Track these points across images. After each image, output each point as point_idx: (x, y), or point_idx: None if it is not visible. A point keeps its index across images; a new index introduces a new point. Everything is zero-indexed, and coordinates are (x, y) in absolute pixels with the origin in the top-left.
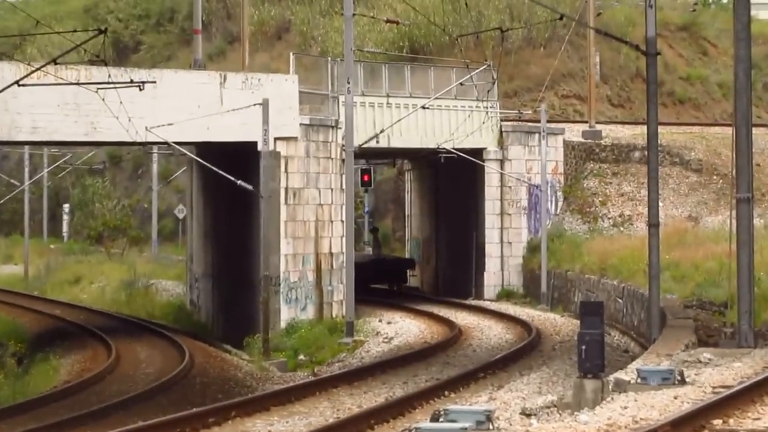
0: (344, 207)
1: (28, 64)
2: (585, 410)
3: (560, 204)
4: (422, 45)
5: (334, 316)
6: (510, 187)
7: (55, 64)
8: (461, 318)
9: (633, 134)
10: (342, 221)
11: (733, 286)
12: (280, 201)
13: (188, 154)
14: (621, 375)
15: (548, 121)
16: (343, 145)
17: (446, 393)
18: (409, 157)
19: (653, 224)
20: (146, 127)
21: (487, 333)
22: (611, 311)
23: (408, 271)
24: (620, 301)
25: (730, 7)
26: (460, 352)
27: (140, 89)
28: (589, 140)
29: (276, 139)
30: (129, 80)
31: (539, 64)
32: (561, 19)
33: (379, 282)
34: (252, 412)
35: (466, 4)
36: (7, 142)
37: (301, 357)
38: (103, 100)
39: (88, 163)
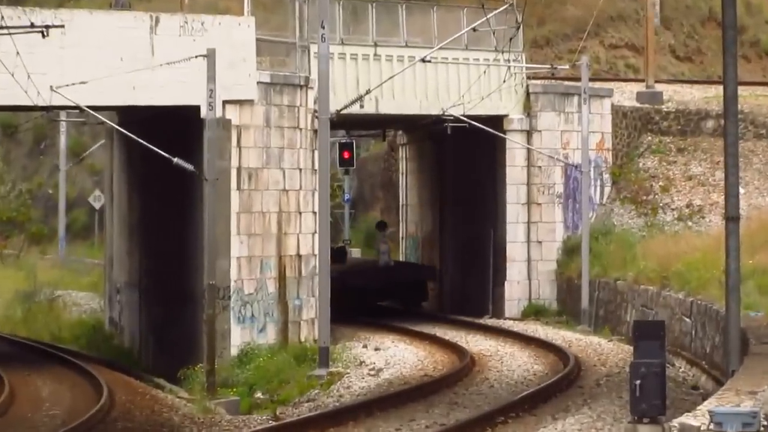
0: (317, 194)
1: None
2: None
3: (607, 190)
4: None
5: (302, 339)
6: (540, 167)
7: None
8: (474, 343)
9: (705, 97)
10: (314, 213)
11: None
12: (231, 185)
13: (107, 122)
14: (688, 419)
15: (591, 80)
16: (315, 111)
17: None
18: (405, 127)
19: (732, 218)
20: (51, 87)
21: (508, 363)
22: (675, 334)
23: (429, 283)
24: (687, 320)
25: None
26: (473, 389)
27: (43, 36)
28: (647, 105)
29: (225, 102)
30: (28, 24)
31: (579, 3)
32: None
33: (389, 298)
34: None
35: None
36: None
37: (259, 395)
38: None
39: None
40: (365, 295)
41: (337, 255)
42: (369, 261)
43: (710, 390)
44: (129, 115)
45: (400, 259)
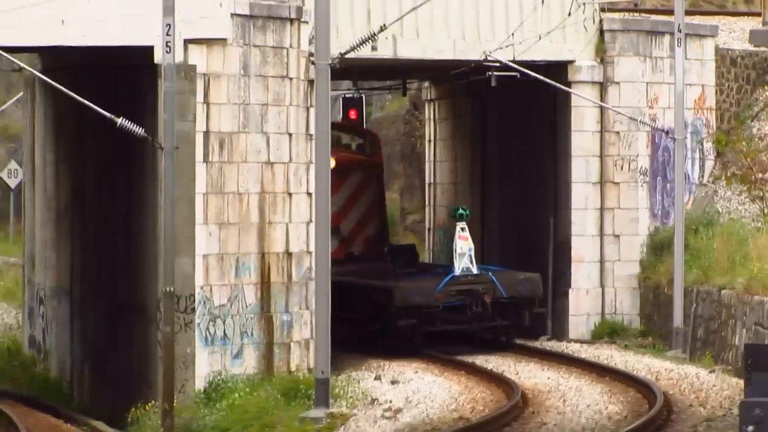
0: (313, 167)
1: None
2: None
3: (710, 165)
4: None
5: (293, 368)
6: (617, 133)
7: None
8: (527, 374)
9: None
10: (309, 194)
11: None
12: (196, 156)
13: (27, 69)
14: None
15: (688, 13)
16: (311, 55)
17: None
18: (434, 76)
19: None
20: None
21: (573, 402)
22: None
23: (536, 300)
24: None
25: None
26: None
27: None
28: (763, 48)
29: (188, 42)
30: None
31: None
32: None
33: (468, 323)
34: None
35: None
36: None
37: None
38: None
39: None
40: (430, 319)
41: (405, 256)
42: (439, 267)
43: None
44: (57, 59)
45: (473, 263)
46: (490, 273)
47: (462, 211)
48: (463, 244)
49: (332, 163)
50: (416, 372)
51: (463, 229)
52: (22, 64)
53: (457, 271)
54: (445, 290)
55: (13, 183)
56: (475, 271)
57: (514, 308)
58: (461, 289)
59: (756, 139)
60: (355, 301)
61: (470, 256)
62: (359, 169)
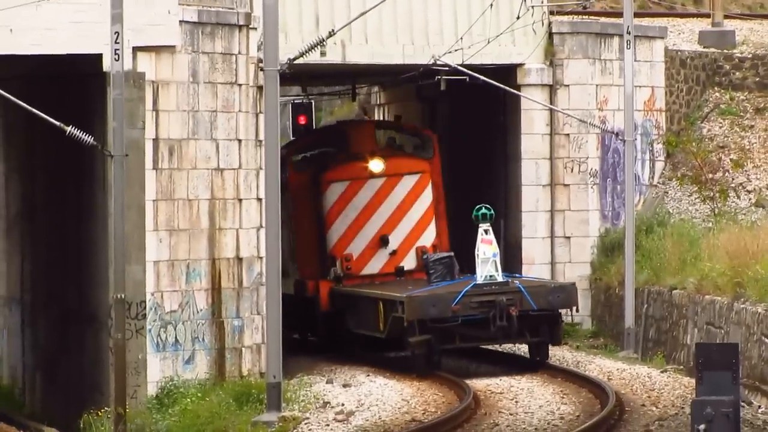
0: (263, 173)
1: None
2: None
3: (660, 166)
4: None
5: (245, 373)
6: (567, 135)
7: None
8: (479, 375)
9: None
10: (259, 200)
11: None
12: (146, 163)
13: None
14: None
15: (637, 15)
16: (260, 61)
17: None
18: (383, 81)
19: None
20: None
21: (525, 403)
22: (753, 361)
23: (567, 312)
24: None
25: None
26: None
27: None
28: (713, 49)
29: (137, 49)
30: None
31: None
32: None
33: (494, 340)
34: None
35: None
36: None
37: None
38: None
39: None
40: (448, 334)
41: (442, 266)
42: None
43: None
44: (6, 68)
45: (497, 270)
46: (517, 282)
47: (485, 210)
48: (487, 248)
49: (381, 167)
50: (368, 375)
51: (486, 231)
52: None
53: (480, 279)
54: (464, 301)
55: None
56: (500, 279)
57: (546, 322)
58: (483, 300)
59: (706, 140)
60: (370, 315)
61: (495, 262)
62: (413, 173)
